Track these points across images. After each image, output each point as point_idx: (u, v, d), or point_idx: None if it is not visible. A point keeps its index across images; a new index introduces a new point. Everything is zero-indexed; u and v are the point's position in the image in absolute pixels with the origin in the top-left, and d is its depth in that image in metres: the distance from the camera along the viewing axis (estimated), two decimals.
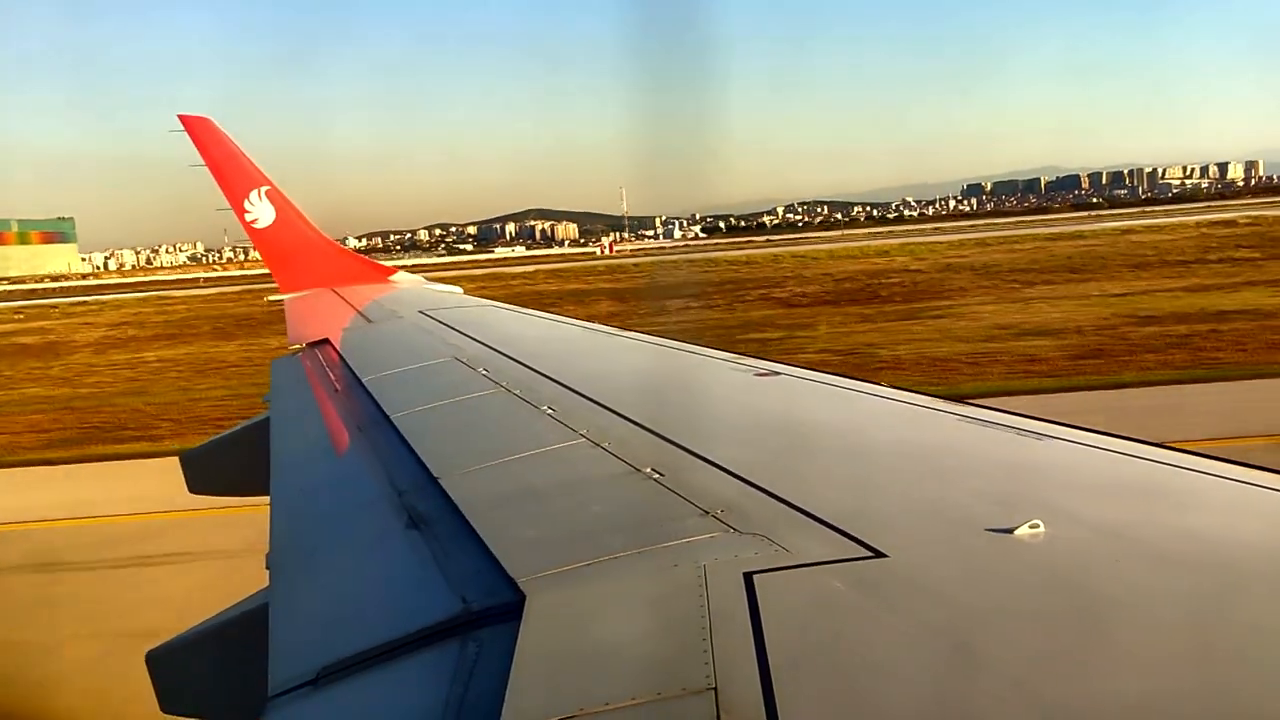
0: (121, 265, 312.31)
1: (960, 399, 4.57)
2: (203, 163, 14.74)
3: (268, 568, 3.50)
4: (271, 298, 15.25)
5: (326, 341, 8.95)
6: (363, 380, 6.30)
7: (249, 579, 3.84)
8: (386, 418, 5.01)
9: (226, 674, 3.76)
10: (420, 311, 10.06)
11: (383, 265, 17.16)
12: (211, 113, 15.01)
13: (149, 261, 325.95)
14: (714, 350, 6.67)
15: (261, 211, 15.04)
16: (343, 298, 13.11)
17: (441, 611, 2.55)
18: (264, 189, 15.04)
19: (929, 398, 4.55)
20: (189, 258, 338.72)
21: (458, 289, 14.46)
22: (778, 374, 5.38)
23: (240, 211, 14.98)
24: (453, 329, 8.44)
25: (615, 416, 4.25)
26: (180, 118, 14.78)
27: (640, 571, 2.48)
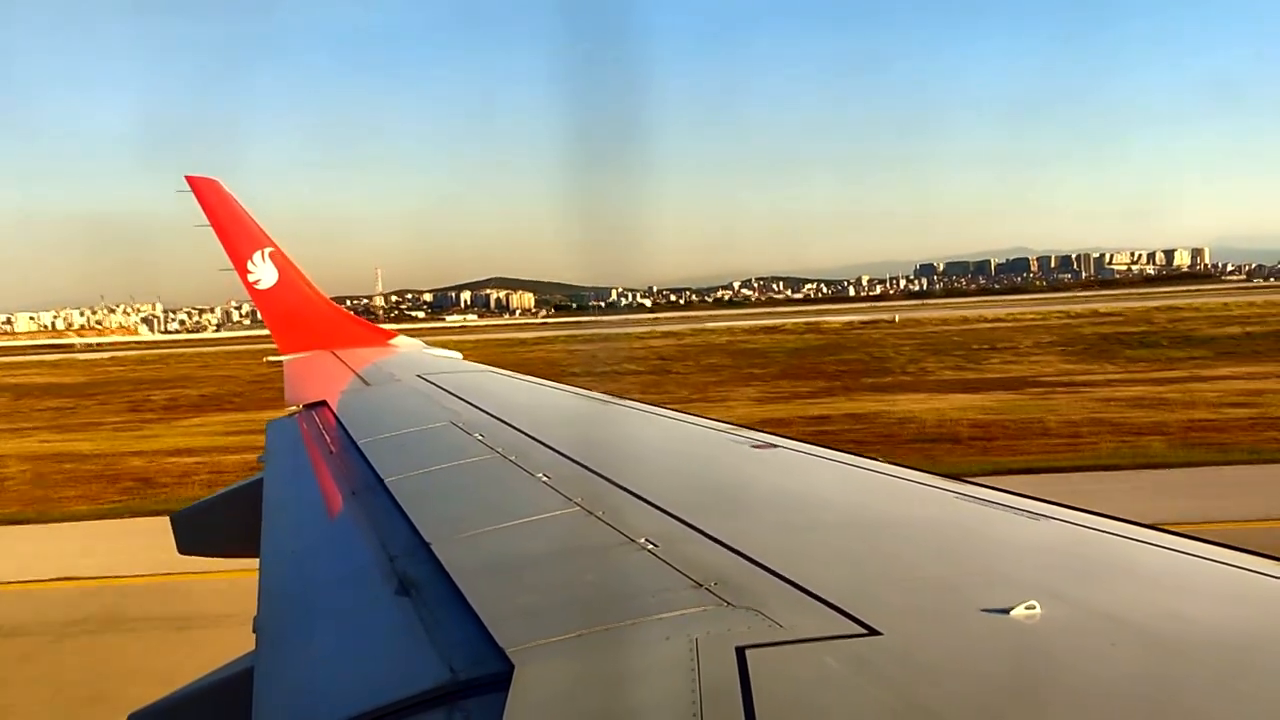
0: (70, 325, 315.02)
1: (957, 477, 4.56)
2: (207, 223, 14.89)
3: (255, 631, 3.46)
4: (270, 358, 15.28)
5: (324, 403, 8.94)
6: (358, 443, 6.28)
7: None
8: (381, 482, 4.99)
9: None
10: (418, 375, 10.07)
11: (383, 329, 17.24)
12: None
13: (99, 323, 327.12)
14: (711, 421, 6.67)
15: (264, 273, 15.15)
16: (341, 360, 13.13)
17: (428, 680, 2.52)
18: (267, 250, 15.18)
19: (926, 474, 4.53)
20: (142, 319, 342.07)
21: (457, 354, 14.49)
22: (774, 446, 5.37)
23: (243, 272, 15.10)
24: (450, 394, 8.44)
25: (610, 485, 4.23)
26: (188, 179, 14.96)
27: (631, 644, 2.45)
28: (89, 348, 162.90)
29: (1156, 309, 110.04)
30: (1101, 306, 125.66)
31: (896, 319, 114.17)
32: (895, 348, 71.18)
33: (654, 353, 73.66)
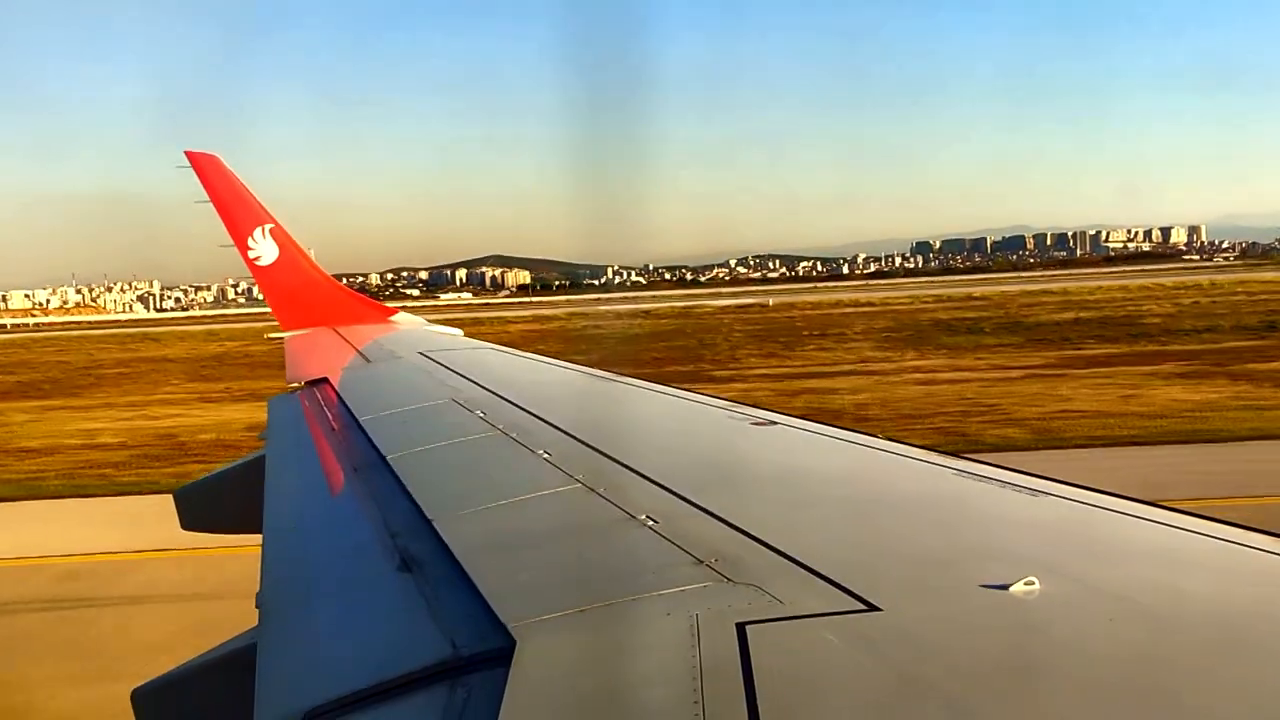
0: (65, 303, 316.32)
1: (957, 454, 4.56)
2: (208, 199, 14.85)
3: (257, 606, 3.48)
4: (271, 335, 15.28)
5: (325, 380, 8.94)
6: (359, 420, 6.29)
7: None
8: (382, 458, 5.00)
9: (213, 713, 3.72)
10: (419, 353, 10.08)
11: (384, 305, 17.21)
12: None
13: (94, 300, 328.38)
14: (711, 398, 6.68)
15: (265, 249, 15.11)
16: (343, 337, 13.13)
17: (431, 655, 2.53)
18: (268, 227, 15.13)
19: (926, 451, 4.54)
20: (137, 297, 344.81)
21: (458, 331, 14.49)
22: (774, 423, 5.38)
23: (244, 248, 15.06)
24: (451, 370, 8.45)
25: (611, 462, 4.24)
26: (187, 154, 14.90)
27: (632, 620, 2.46)
28: (17, 328, 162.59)
29: (1027, 293, 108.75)
30: (978, 290, 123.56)
31: (770, 303, 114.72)
32: (727, 335, 71.46)
33: (499, 337, 74.23)
